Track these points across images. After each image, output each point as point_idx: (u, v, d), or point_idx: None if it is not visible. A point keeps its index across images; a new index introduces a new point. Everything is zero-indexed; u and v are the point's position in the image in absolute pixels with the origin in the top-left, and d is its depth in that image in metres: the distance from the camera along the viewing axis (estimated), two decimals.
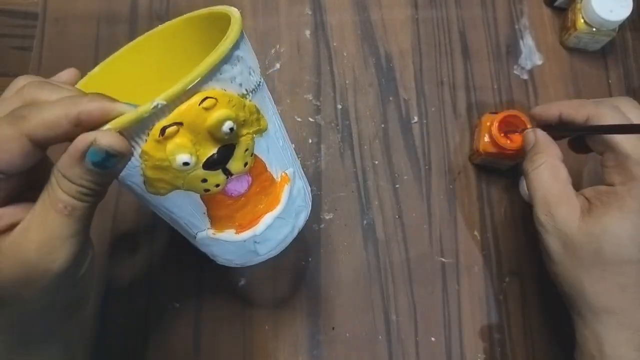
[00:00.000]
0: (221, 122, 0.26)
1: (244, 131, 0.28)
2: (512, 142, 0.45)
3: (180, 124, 0.25)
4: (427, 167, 0.49)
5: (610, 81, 0.52)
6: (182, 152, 0.26)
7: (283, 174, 0.32)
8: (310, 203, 0.36)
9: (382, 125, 0.49)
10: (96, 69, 0.36)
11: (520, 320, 0.45)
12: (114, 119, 0.24)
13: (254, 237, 0.32)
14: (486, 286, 0.46)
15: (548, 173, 0.36)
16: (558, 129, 0.38)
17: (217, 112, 0.25)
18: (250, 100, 0.28)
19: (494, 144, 0.45)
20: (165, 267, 0.44)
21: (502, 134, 0.45)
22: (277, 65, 0.50)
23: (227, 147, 0.27)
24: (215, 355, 0.43)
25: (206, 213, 0.31)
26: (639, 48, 0.53)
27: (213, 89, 0.26)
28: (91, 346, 0.42)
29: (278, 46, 0.51)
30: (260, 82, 0.30)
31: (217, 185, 0.29)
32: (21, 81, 0.28)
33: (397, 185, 0.48)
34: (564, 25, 0.51)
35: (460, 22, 0.53)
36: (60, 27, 0.51)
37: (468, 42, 0.52)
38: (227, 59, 0.26)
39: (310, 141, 0.49)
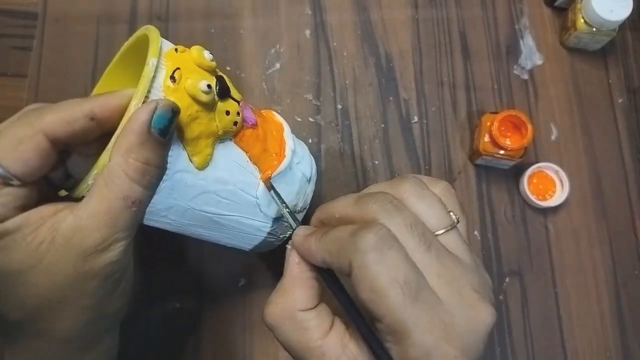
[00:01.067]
0: (199, 51, 0.29)
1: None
2: (512, 142, 0.45)
3: (178, 68, 0.27)
4: (427, 167, 0.49)
5: (610, 81, 0.52)
6: (198, 80, 0.27)
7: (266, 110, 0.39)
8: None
9: (382, 125, 0.49)
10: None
11: (520, 320, 0.45)
12: (125, 105, 0.25)
13: (294, 154, 0.35)
14: None
15: (290, 333, 0.26)
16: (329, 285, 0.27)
17: (192, 48, 0.30)
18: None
19: (494, 143, 0.45)
20: (165, 267, 0.44)
21: (502, 134, 0.45)
22: (277, 65, 0.50)
23: (221, 77, 0.30)
24: (215, 355, 0.43)
25: (249, 160, 0.33)
26: (639, 48, 0.53)
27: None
28: None
29: (278, 46, 0.51)
30: None
31: (238, 114, 0.31)
32: (25, 109, 0.26)
33: None
34: (564, 25, 0.51)
35: (460, 22, 0.53)
36: (60, 27, 0.51)
37: (468, 42, 0.52)
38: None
39: (310, 141, 0.49)
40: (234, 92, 0.31)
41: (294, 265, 0.27)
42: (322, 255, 0.25)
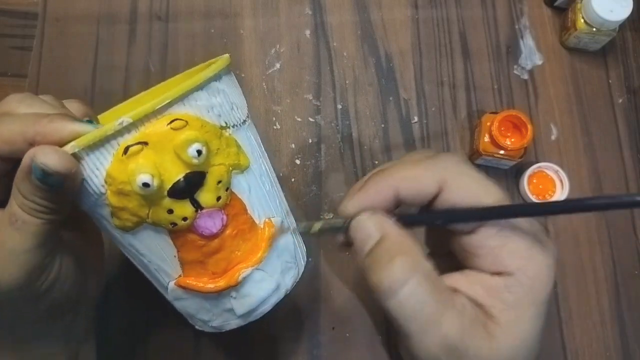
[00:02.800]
0: (188, 142, 0.24)
1: (217, 160, 0.26)
2: (512, 142, 0.45)
3: (145, 143, 0.24)
4: None
5: (610, 81, 0.52)
6: (143, 171, 0.24)
7: (267, 220, 0.29)
8: (302, 264, 0.32)
9: (382, 125, 0.49)
10: (120, 105, 0.36)
11: None
12: (73, 139, 0.23)
13: (229, 289, 0.28)
14: None
15: (423, 291, 0.23)
16: (413, 220, 0.27)
17: (186, 133, 0.25)
18: (230, 134, 0.27)
19: (494, 143, 0.45)
20: None
21: (502, 134, 0.45)
22: (277, 65, 0.50)
23: (196, 175, 0.25)
24: (215, 355, 0.43)
25: (177, 256, 0.28)
26: (639, 48, 0.53)
27: (186, 113, 0.25)
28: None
29: (278, 46, 0.51)
30: (245, 121, 0.29)
31: (185, 219, 0.26)
32: (10, 97, 0.27)
33: None
34: (564, 25, 0.51)
35: (460, 22, 0.53)
36: (60, 27, 0.51)
37: (468, 42, 0.52)
38: (204, 86, 0.26)
39: (310, 141, 0.49)
40: (208, 197, 0.26)
41: (390, 224, 0.25)
42: (397, 184, 0.25)
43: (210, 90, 0.26)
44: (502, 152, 0.45)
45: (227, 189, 0.27)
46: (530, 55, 0.52)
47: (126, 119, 0.24)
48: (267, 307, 0.30)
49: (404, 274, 0.23)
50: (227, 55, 0.29)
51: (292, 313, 0.44)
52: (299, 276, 0.31)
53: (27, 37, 0.50)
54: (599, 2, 0.46)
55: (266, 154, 0.31)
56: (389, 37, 0.52)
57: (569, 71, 0.52)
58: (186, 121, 0.25)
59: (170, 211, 0.26)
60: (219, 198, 0.27)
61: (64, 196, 0.24)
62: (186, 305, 0.30)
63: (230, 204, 0.27)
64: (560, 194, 0.47)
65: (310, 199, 0.47)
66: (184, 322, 0.43)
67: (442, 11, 0.53)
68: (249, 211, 0.28)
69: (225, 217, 0.27)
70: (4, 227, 0.24)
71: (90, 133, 0.24)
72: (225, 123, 0.27)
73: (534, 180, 0.47)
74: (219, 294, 0.28)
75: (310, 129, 0.49)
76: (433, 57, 0.52)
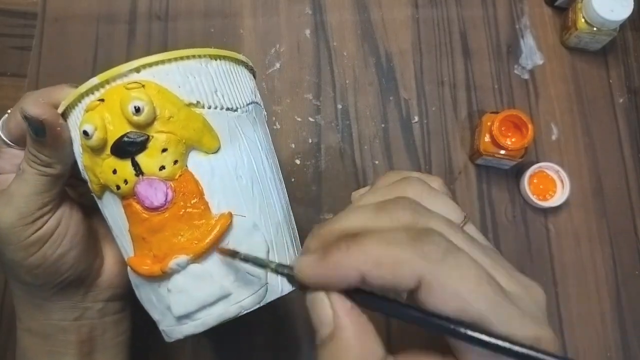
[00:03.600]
0: (131, 98, 0.25)
1: (167, 128, 0.26)
2: (512, 142, 0.45)
3: (102, 100, 0.26)
4: (427, 167, 0.49)
5: (611, 81, 0.52)
6: (87, 122, 0.26)
7: (226, 212, 0.27)
8: (278, 290, 0.27)
9: (383, 125, 0.49)
10: None
11: None
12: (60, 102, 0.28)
13: (165, 279, 0.26)
14: None
15: None
16: (380, 307, 0.21)
17: (134, 92, 0.25)
18: (202, 114, 0.27)
19: (494, 143, 0.45)
20: None
21: (503, 134, 0.45)
22: (277, 65, 0.50)
23: (137, 135, 0.26)
24: (215, 355, 0.43)
25: (129, 230, 0.27)
26: (639, 48, 0.53)
27: (150, 80, 0.26)
28: None
29: (278, 46, 0.51)
30: (234, 110, 0.28)
31: (126, 182, 0.26)
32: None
33: None
34: (565, 25, 0.51)
35: (460, 22, 0.53)
36: (59, 27, 0.51)
37: (469, 42, 0.52)
38: (176, 63, 0.27)
39: (310, 141, 0.49)
40: (149, 162, 0.26)
41: (346, 314, 0.20)
42: (363, 269, 0.19)
43: (188, 69, 0.27)
44: (502, 152, 0.45)
45: (175, 162, 0.26)
46: (531, 54, 0.52)
47: (94, 80, 0.26)
48: (210, 318, 0.26)
49: None
50: (241, 55, 0.30)
51: (292, 313, 0.44)
52: (265, 300, 0.27)
53: (26, 36, 0.50)
54: (600, 2, 0.46)
55: (269, 160, 0.31)
56: (389, 37, 0.52)
57: (570, 71, 0.52)
58: (142, 85, 0.26)
59: (115, 171, 0.26)
60: (162, 167, 0.26)
61: (52, 148, 0.28)
62: (141, 296, 0.29)
63: (180, 179, 0.26)
64: (560, 193, 0.47)
65: (310, 199, 0.47)
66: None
67: (443, 11, 0.53)
68: (206, 196, 0.27)
69: (170, 192, 0.26)
70: (14, 178, 0.29)
71: (70, 94, 0.27)
72: (198, 101, 0.27)
73: (535, 180, 0.47)
74: (159, 285, 0.27)
75: (310, 129, 0.49)
76: (433, 56, 0.51)
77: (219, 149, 0.27)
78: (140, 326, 0.43)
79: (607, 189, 0.49)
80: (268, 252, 0.28)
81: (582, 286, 0.46)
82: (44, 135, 0.27)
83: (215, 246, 0.26)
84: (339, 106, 0.50)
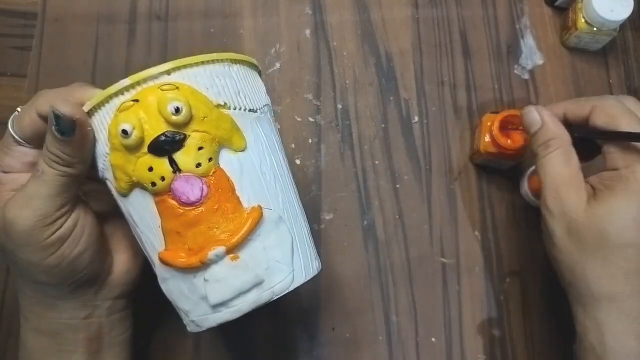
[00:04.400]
0: (170, 99, 0.26)
1: (202, 127, 0.28)
2: (512, 142, 0.45)
3: (136, 100, 0.27)
4: (427, 167, 0.49)
5: (611, 81, 0.52)
6: (124, 121, 0.27)
7: (256, 205, 0.29)
8: (302, 275, 0.30)
9: (383, 125, 0.49)
10: None
11: (520, 320, 0.45)
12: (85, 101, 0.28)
13: (202, 269, 0.28)
14: (487, 287, 0.46)
15: (561, 158, 0.35)
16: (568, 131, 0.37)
17: (170, 93, 0.27)
18: (228, 113, 0.29)
19: (494, 143, 0.45)
20: None
21: (503, 134, 0.45)
22: (277, 65, 0.50)
23: (175, 133, 0.27)
24: (215, 355, 0.43)
25: (160, 227, 0.28)
26: (639, 48, 0.53)
27: (182, 83, 0.27)
28: None
29: (278, 46, 0.51)
30: (254, 111, 0.30)
31: (163, 179, 0.27)
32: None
33: (398, 186, 0.48)
34: (565, 25, 0.51)
35: (460, 22, 0.53)
36: (59, 27, 0.51)
37: (469, 42, 0.52)
38: (205, 66, 0.28)
39: (310, 141, 0.48)
40: (186, 160, 0.27)
41: (550, 116, 0.37)
42: (566, 107, 0.38)
43: (214, 72, 0.29)
44: (502, 152, 0.45)
45: (210, 159, 0.28)
46: (531, 54, 0.52)
47: (126, 81, 0.27)
48: (245, 305, 0.28)
49: (554, 147, 0.36)
50: (254, 60, 0.32)
51: (292, 313, 0.44)
52: (293, 285, 0.29)
53: (26, 36, 0.50)
54: (600, 2, 0.46)
55: (283, 158, 0.32)
56: (389, 37, 0.52)
57: (570, 71, 0.52)
58: (177, 86, 0.27)
59: (151, 169, 0.27)
60: (198, 164, 0.27)
61: (77, 148, 0.28)
62: (170, 289, 0.30)
63: (214, 176, 0.28)
64: None
65: (310, 199, 0.47)
66: (184, 323, 0.43)
67: (443, 10, 0.53)
68: (237, 191, 0.28)
69: (205, 187, 0.28)
70: (30, 178, 0.29)
71: (98, 94, 0.28)
72: (225, 102, 0.29)
73: (535, 180, 0.47)
74: (194, 276, 0.28)
75: (310, 129, 0.49)
76: (433, 56, 0.51)
77: (245, 147, 0.29)
78: (142, 324, 0.43)
79: None
80: (292, 242, 0.30)
81: None
82: (72, 135, 0.27)
83: (248, 237, 0.28)
84: (339, 106, 0.50)
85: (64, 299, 0.32)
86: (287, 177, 0.32)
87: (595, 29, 0.48)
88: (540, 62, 0.52)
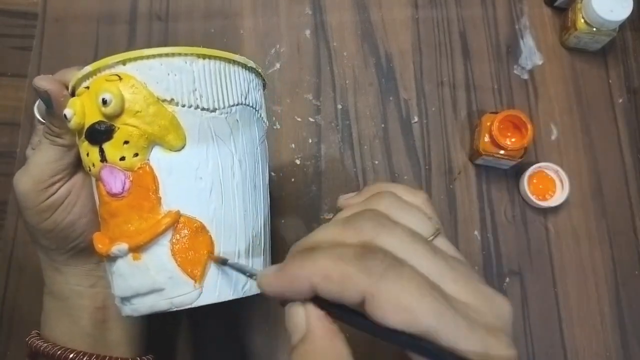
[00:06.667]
0: (102, 89, 0.27)
1: (133, 122, 0.27)
2: (512, 142, 0.45)
3: (87, 87, 0.28)
4: (427, 167, 0.49)
5: (610, 81, 0.52)
6: (69, 106, 0.28)
7: (174, 211, 0.27)
8: (213, 295, 0.28)
9: (382, 125, 0.49)
10: None
11: (520, 320, 0.45)
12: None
13: (111, 261, 0.28)
14: None
15: None
16: (347, 320, 0.21)
17: (108, 84, 0.27)
18: (174, 112, 0.27)
19: (494, 143, 0.45)
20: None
21: (502, 134, 0.45)
22: (277, 65, 0.50)
23: (103, 124, 0.27)
24: (215, 355, 0.43)
25: (99, 210, 0.30)
26: (639, 48, 0.53)
27: (131, 75, 0.27)
28: None
29: (278, 46, 0.51)
30: (212, 109, 0.29)
31: (94, 165, 0.28)
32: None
33: None
34: (564, 25, 0.51)
35: (460, 22, 0.53)
36: (60, 27, 0.51)
37: (468, 42, 0.52)
38: (160, 59, 0.28)
39: (310, 141, 0.49)
40: (112, 152, 0.27)
41: (317, 320, 0.21)
42: (313, 281, 0.20)
43: (171, 66, 0.28)
44: (502, 152, 0.45)
45: (135, 154, 0.27)
46: (530, 55, 0.52)
47: (88, 67, 0.28)
48: (142, 307, 0.28)
49: None
50: (238, 56, 0.31)
51: None
52: (198, 302, 0.28)
53: (26, 37, 0.50)
54: (599, 2, 0.46)
55: (243, 166, 0.30)
56: (389, 37, 0.52)
57: (569, 71, 0.52)
58: (120, 77, 0.27)
59: (88, 154, 0.28)
60: (122, 158, 0.27)
61: (61, 120, 0.30)
62: (104, 268, 0.31)
63: (139, 172, 0.28)
64: (560, 194, 0.47)
65: (310, 199, 0.47)
66: (184, 322, 0.43)
67: (442, 11, 0.53)
68: (160, 192, 0.28)
69: (128, 182, 0.28)
70: (35, 150, 0.32)
71: (74, 77, 0.29)
72: (172, 99, 0.28)
73: (534, 180, 0.47)
74: (110, 264, 0.29)
75: (310, 129, 0.49)
76: (433, 57, 0.52)
77: (182, 147, 0.28)
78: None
79: (607, 189, 0.49)
80: (210, 254, 0.28)
81: (582, 286, 0.46)
82: (52, 106, 0.30)
83: (155, 240, 0.27)
84: (339, 106, 0.50)
85: (67, 265, 0.34)
86: (238, 186, 0.30)
87: (594, 29, 0.48)
88: (539, 62, 0.52)
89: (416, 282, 0.20)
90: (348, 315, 0.21)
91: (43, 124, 0.33)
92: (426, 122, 0.50)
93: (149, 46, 0.51)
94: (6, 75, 0.49)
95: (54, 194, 0.32)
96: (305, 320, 0.22)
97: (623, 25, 0.51)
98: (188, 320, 0.43)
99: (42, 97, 0.31)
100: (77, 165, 0.33)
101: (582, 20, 0.48)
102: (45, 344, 0.33)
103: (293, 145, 0.48)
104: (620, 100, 0.51)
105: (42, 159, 0.32)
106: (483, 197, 0.48)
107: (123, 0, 0.52)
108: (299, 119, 0.49)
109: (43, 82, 0.30)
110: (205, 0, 0.52)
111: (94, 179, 0.30)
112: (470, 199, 0.48)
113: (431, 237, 0.24)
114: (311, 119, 0.49)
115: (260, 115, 0.33)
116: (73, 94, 0.30)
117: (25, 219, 0.32)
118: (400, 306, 0.19)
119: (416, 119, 0.50)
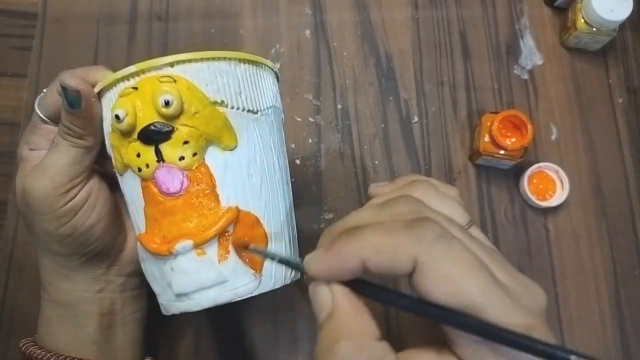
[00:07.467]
0: (162, 91, 0.27)
1: (191, 122, 0.28)
2: (512, 142, 0.45)
3: (135, 88, 0.28)
4: (427, 167, 0.49)
5: (610, 81, 0.52)
6: (119, 107, 0.28)
7: (234, 206, 0.29)
8: (270, 283, 0.30)
9: (382, 125, 0.49)
10: None
11: None
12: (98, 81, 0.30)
13: (170, 258, 0.28)
14: None
15: None
16: (376, 295, 0.22)
17: (166, 85, 0.27)
18: (224, 113, 0.29)
19: (494, 143, 0.45)
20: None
21: (502, 134, 0.45)
22: (277, 65, 0.50)
23: (163, 125, 0.28)
24: (215, 355, 0.43)
25: (144, 210, 0.29)
26: (639, 48, 0.53)
27: (182, 76, 0.28)
28: None
29: (278, 46, 0.51)
30: (254, 112, 0.30)
31: (147, 166, 0.28)
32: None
33: None
34: (564, 25, 0.51)
35: (460, 22, 0.53)
36: (60, 27, 0.51)
37: (468, 42, 0.52)
38: (208, 63, 0.28)
39: (310, 141, 0.49)
40: (170, 152, 0.28)
41: (343, 297, 0.21)
42: (363, 255, 0.20)
43: (218, 69, 0.29)
44: (502, 152, 0.45)
45: (194, 154, 0.28)
46: (530, 55, 0.52)
47: (131, 68, 0.28)
48: (205, 300, 0.29)
49: (344, 351, 0.20)
50: (268, 61, 0.32)
51: (292, 312, 0.44)
52: (258, 290, 0.29)
53: (26, 37, 0.50)
54: (599, 2, 0.46)
55: (281, 163, 0.32)
56: (389, 37, 0.52)
57: (569, 71, 0.52)
58: (175, 79, 0.28)
59: (138, 155, 0.28)
60: (181, 158, 0.28)
61: (85, 120, 0.30)
62: (146, 269, 0.31)
63: (196, 171, 0.28)
64: (560, 194, 0.47)
65: (310, 198, 0.47)
66: (184, 322, 0.43)
67: (442, 11, 0.53)
68: (217, 189, 0.29)
69: (186, 180, 0.28)
70: (48, 151, 0.31)
71: (107, 76, 0.29)
72: (222, 100, 0.29)
73: (534, 181, 0.47)
74: (164, 262, 0.29)
75: (310, 129, 0.49)
76: (433, 57, 0.52)
77: (235, 147, 0.29)
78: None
79: (607, 189, 0.49)
80: (266, 246, 0.30)
81: (582, 286, 0.46)
82: (79, 107, 0.29)
83: (218, 235, 0.28)
84: (339, 106, 0.50)
85: (77, 271, 0.33)
86: (280, 182, 0.32)
87: (594, 29, 0.48)
88: (539, 62, 0.52)
89: (466, 256, 0.20)
90: (374, 291, 0.21)
91: (46, 122, 0.32)
92: (426, 122, 0.50)
93: (149, 47, 0.51)
94: (6, 75, 0.49)
95: (74, 197, 0.31)
96: (331, 298, 0.22)
97: (623, 25, 0.51)
98: (188, 321, 0.43)
99: (70, 97, 0.29)
100: (94, 168, 0.32)
101: (582, 20, 0.48)
102: (40, 351, 0.32)
103: (293, 145, 0.48)
104: (620, 101, 0.51)
105: (61, 161, 0.30)
106: (483, 197, 0.48)
107: (123, 0, 0.52)
108: (299, 119, 0.49)
109: (72, 80, 0.29)
110: (205, 0, 0.52)
111: (134, 180, 0.29)
112: (471, 199, 0.48)
113: (466, 227, 0.24)
114: (311, 119, 0.49)
115: (282, 116, 0.35)
116: (99, 94, 0.30)
117: (40, 224, 0.31)
118: (448, 277, 0.19)
119: (416, 119, 0.50)
